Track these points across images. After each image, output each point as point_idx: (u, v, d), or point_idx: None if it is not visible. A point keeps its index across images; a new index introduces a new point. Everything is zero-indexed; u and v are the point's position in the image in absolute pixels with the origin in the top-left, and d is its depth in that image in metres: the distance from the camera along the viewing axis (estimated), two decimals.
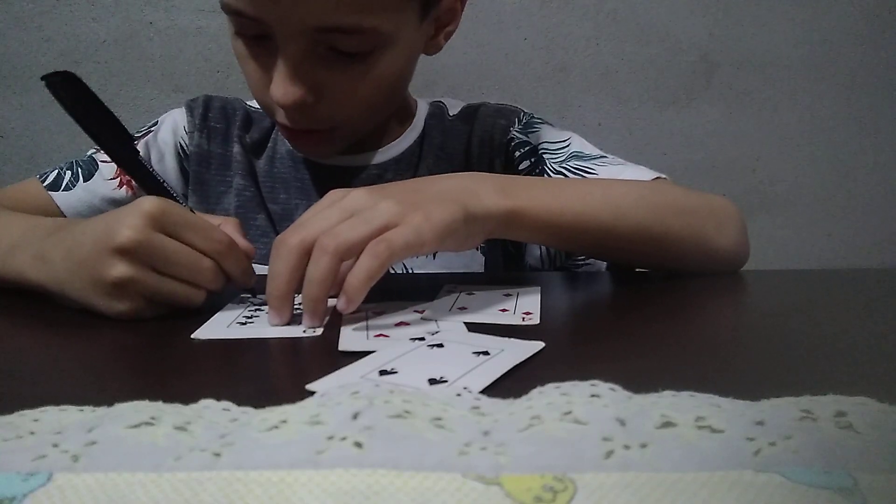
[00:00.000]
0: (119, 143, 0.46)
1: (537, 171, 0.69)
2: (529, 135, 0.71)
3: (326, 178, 0.70)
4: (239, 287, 0.47)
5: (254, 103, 0.76)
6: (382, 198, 0.43)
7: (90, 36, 1.04)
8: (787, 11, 1.15)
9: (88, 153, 0.71)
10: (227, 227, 0.47)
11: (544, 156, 0.69)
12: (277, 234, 0.68)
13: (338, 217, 0.42)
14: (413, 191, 0.46)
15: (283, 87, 0.55)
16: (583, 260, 0.70)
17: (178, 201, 0.46)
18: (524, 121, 0.73)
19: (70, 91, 0.44)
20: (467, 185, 0.48)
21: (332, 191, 0.45)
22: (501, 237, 0.50)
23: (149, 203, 0.42)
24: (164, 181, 0.48)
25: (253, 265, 0.47)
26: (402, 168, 0.71)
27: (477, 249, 0.69)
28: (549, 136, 0.71)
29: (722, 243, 0.57)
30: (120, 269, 0.41)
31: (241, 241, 0.47)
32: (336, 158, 0.70)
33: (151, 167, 0.48)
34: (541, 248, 0.72)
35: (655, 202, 0.55)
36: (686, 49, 1.15)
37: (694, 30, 1.14)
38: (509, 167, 0.71)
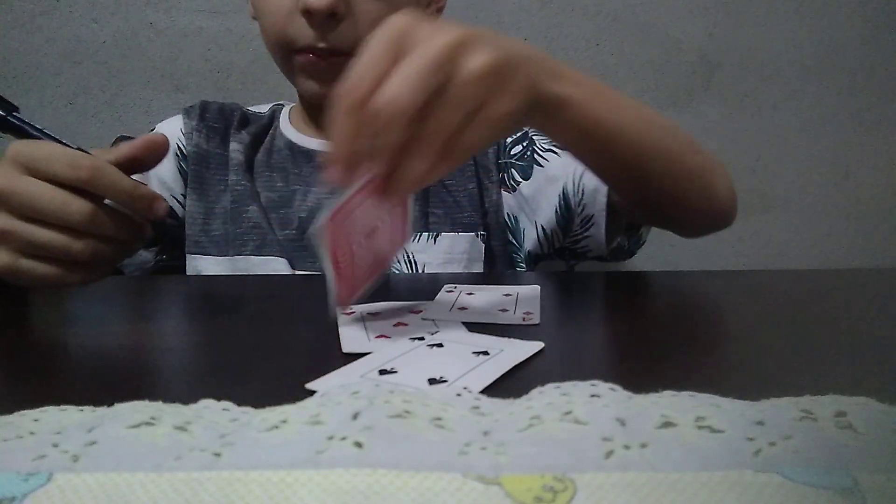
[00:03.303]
0: None
1: (528, 153, 0.72)
2: None
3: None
4: (142, 218, 0.42)
5: (251, 108, 0.77)
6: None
7: (90, 36, 1.03)
8: (787, 12, 1.15)
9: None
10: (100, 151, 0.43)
11: (534, 138, 0.73)
12: (269, 223, 0.70)
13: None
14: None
15: None
16: (581, 232, 0.69)
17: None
18: None
19: None
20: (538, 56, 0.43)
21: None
22: (537, 127, 0.47)
23: (11, 147, 0.40)
24: (43, 129, 0.44)
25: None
26: None
27: (477, 237, 0.71)
28: None
29: (721, 192, 0.58)
30: None
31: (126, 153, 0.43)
32: None
33: (28, 122, 0.44)
34: (538, 230, 0.72)
35: (677, 134, 0.54)
36: (686, 49, 1.15)
37: (694, 30, 1.14)
38: (502, 151, 0.75)
